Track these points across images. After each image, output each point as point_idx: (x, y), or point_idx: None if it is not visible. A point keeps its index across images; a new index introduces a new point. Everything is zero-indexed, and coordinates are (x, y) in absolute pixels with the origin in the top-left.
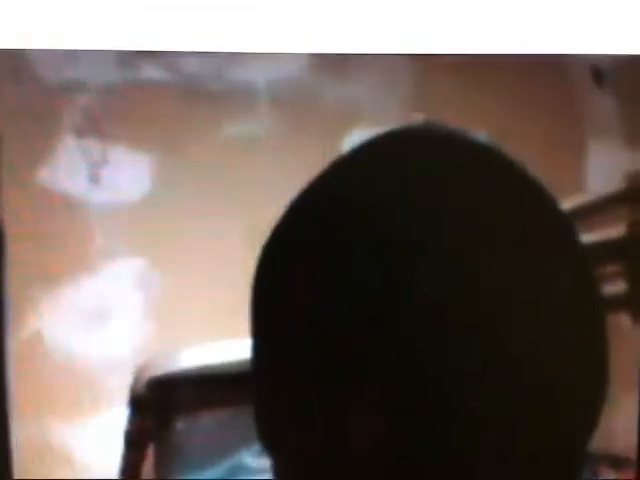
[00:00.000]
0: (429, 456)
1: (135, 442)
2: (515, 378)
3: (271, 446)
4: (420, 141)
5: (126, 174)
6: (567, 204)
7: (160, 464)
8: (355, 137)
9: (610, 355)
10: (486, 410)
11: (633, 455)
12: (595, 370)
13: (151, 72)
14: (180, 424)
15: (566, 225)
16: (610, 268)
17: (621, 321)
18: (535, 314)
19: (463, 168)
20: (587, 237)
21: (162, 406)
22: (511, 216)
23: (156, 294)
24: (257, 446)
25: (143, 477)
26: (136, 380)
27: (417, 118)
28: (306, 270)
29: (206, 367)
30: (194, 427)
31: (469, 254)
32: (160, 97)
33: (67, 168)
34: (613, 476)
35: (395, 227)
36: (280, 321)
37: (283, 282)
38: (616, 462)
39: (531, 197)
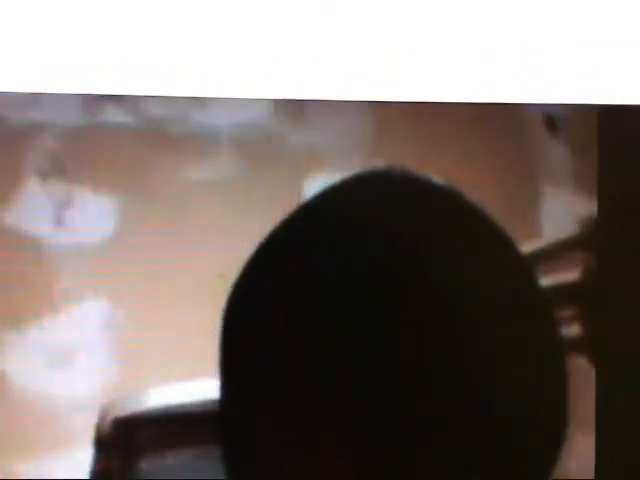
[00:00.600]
0: None
1: None
2: (481, 414)
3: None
4: (385, 183)
5: (90, 216)
6: (524, 249)
7: None
8: (317, 180)
9: (570, 391)
10: (450, 443)
11: None
12: (557, 406)
13: (115, 116)
14: (145, 464)
15: (528, 268)
16: (566, 311)
17: (577, 363)
18: (499, 355)
19: (427, 208)
20: (543, 281)
21: (127, 446)
22: (477, 258)
23: (121, 335)
24: None
25: None
26: (101, 420)
27: (377, 164)
28: (274, 309)
29: (171, 407)
30: (159, 467)
31: (432, 297)
32: (124, 140)
33: (31, 210)
34: None
35: (360, 267)
36: (249, 358)
37: (253, 319)
38: None
39: (494, 239)
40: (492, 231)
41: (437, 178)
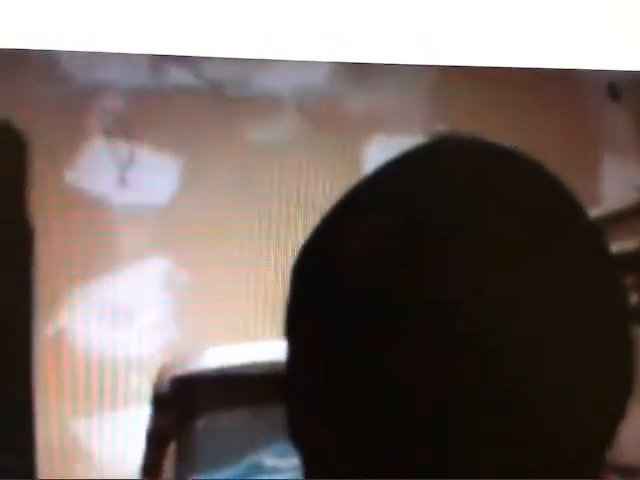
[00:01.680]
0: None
1: (157, 440)
2: (545, 375)
3: (303, 444)
4: (457, 148)
5: (153, 176)
6: None
7: (180, 462)
8: (377, 144)
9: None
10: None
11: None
12: (623, 372)
13: (179, 77)
14: (201, 423)
15: (595, 230)
16: (626, 280)
17: (636, 334)
18: (562, 319)
19: (496, 172)
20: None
21: (184, 405)
22: (542, 218)
23: (181, 295)
24: (276, 446)
25: (164, 475)
26: (159, 379)
27: (437, 128)
28: (346, 267)
29: (229, 368)
30: (215, 426)
31: (498, 257)
32: (187, 102)
33: (95, 169)
34: None
35: (430, 233)
36: (318, 322)
37: (323, 275)
38: (626, 471)
39: (562, 199)
40: (563, 195)
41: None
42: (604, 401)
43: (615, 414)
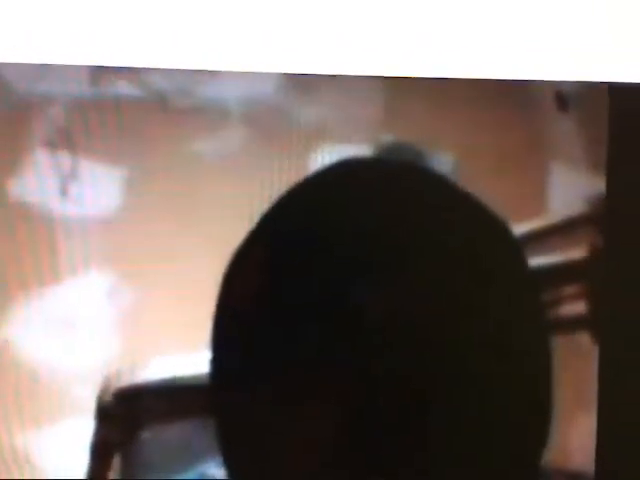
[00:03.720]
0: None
1: (101, 452)
2: (469, 394)
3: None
4: (376, 170)
5: (97, 188)
6: (529, 226)
7: (125, 474)
8: (325, 155)
9: (552, 366)
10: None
11: (590, 471)
12: (541, 386)
13: (123, 88)
14: (146, 435)
15: (516, 249)
16: (571, 289)
17: (581, 341)
18: (484, 332)
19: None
20: (548, 258)
21: (129, 417)
22: (462, 241)
23: (124, 307)
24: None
25: None
26: (103, 391)
27: (386, 139)
28: (270, 281)
29: (173, 379)
30: (159, 438)
31: (418, 276)
32: (132, 113)
33: (38, 181)
34: None
35: (344, 248)
36: (244, 325)
37: (247, 289)
38: (572, 478)
39: (483, 222)
40: (483, 214)
41: (439, 156)
42: (524, 419)
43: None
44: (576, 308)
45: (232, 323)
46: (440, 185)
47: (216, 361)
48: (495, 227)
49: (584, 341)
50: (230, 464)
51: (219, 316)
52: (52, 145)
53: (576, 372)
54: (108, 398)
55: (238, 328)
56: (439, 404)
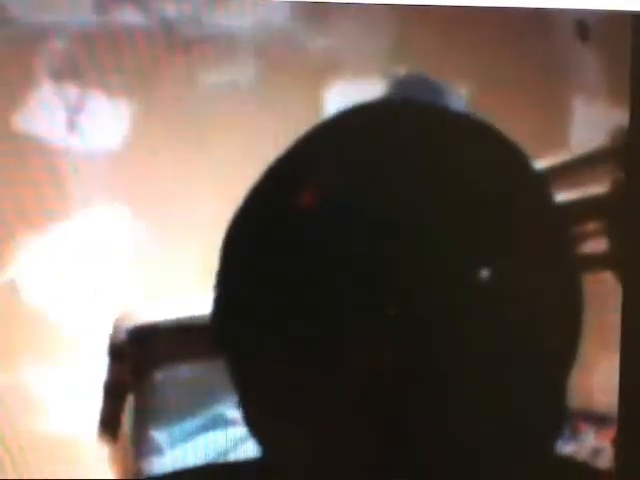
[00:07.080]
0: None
1: (114, 392)
2: (496, 319)
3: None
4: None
5: (104, 121)
6: (550, 161)
7: (139, 415)
8: (336, 86)
9: (584, 290)
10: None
11: (614, 413)
12: (570, 306)
13: (129, 17)
14: (160, 374)
15: (541, 182)
16: (593, 225)
17: (603, 279)
18: (514, 264)
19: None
20: (570, 194)
21: (142, 356)
22: (492, 175)
23: (136, 243)
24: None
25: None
26: (116, 329)
27: (398, 70)
28: (286, 219)
29: (187, 318)
30: (173, 378)
31: (446, 213)
32: (139, 43)
33: (43, 114)
34: (593, 433)
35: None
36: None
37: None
38: (596, 420)
39: (505, 156)
40: (506, 148)
41: (456, 88)
42: (556, 349)
43: (566, 361)
44: (599, 245)
45: (244, 259)
46: (460, 123)
47: (228, 297)
48: (520, 160)
49: (608, 279)
50: (246, 403)
51: (230, 251)
52: (58, 77)
53: (598, 311)
54: (121, 337)
55: (249, 264)
56: (473, 336)
